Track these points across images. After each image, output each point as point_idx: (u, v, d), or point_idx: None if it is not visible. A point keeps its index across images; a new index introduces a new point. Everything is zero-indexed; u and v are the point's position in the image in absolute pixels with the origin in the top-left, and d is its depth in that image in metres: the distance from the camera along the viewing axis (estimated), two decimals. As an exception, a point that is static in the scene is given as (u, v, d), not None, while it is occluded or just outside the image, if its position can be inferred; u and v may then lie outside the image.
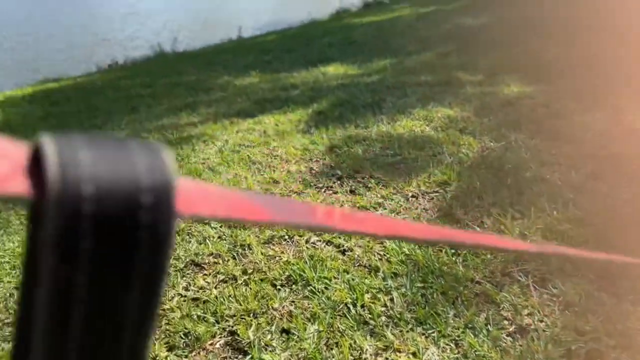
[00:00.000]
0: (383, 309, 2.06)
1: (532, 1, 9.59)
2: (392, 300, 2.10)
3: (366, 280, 2.22)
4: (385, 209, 2.86)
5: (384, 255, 2.42)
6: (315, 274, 2.29)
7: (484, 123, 3.96)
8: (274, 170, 3.49)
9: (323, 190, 3.17)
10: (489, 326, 1.91)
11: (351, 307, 2.08)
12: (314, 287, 2.21)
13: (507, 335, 1.88)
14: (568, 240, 2.37)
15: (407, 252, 2.40)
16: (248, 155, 3.79)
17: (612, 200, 2.66)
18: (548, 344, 1.80)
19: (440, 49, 6.85)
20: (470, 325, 1.92)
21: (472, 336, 1.87)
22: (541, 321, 1.93)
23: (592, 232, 2.41)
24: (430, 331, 1.92)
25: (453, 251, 2.41)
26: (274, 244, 2.61)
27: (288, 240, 2.64)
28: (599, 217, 2.52)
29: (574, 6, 8.43)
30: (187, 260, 2.53)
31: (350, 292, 2.15)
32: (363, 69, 6.35)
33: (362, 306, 2.08)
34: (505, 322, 1.95)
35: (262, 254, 2.52)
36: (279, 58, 7.83)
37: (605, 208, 2.59)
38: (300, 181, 3.29)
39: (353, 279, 2.23)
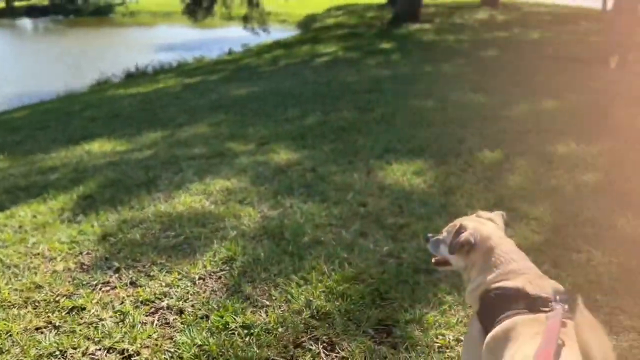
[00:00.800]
0: (180, 415, 1.89)
1: (289, 74, 10.57)
2: (188, 402, 1.95)
3: (158, 386, 2.03)
4: (172, 297, 2.70)
5: (175, 352, 2.26)
6: (97, 392, 2.01)
7: (261, 192, 4.12)
8: (35, 273, 3.02)
9: (98, 287, 2.85)
10: (289, 406, 1.91)
11: (144, 422, 1.87)
12: (97, 409, 1.94)
13: (307, 412, 1.90)
14: (348, 300, 2.56)
15: (200, 343, 2.28)
16: (0, 258, 3.22)
17: (379, 256, 2.98)
18: (345, 411, 1.87)
19: (211, 120, 7.00)
20: (271, 411, 1.90)
21: (275, 422, 1.85)
22: (336, 388, 2.01)
23: (367, 288, 2.65)
24: None
25: (246, 331, 2.39)
26: (41, 366, 2.22)
27: (60, 356, 2.27)
28: (370, 272, 2.78)
29: (325, 81, 9.54)
30: None
31: (141, 405, 1.94)
32: (133, 144, 6.09)
33: (156, 418, 1.89)
34: (304, 397, 1.98)
35: (26, 381, 2.12)
36: (33, 137, 7.02)
37: (374, 263, 2.88)
38: (69, 281, 2.91)
39: (143, 389, 2.02)
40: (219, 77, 11.55)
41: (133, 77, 13.85)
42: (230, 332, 2.38)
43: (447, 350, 2.19)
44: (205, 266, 3.01)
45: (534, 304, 1.48)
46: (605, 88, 7.32)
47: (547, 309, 1.43)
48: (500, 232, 1.80)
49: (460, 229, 1.75)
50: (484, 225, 1.79)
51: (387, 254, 3.00)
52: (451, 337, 2.27)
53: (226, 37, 22.80)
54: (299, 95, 8.04)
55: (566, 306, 1.43)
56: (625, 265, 2.74)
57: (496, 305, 1.55)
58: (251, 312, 2.54)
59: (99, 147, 5.97)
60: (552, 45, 11.65)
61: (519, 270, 1.63)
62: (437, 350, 2.20)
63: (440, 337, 2.28)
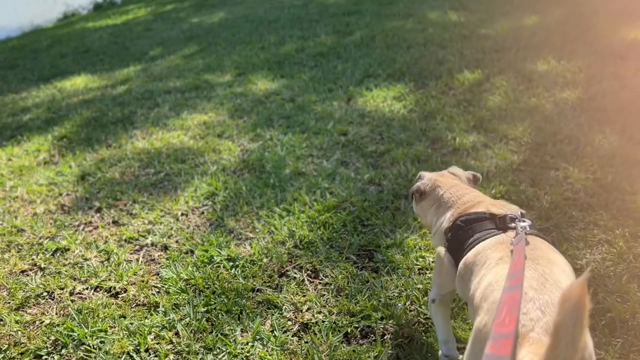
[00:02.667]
0: (169, 346, 1.96)
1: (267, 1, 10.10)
2: (177, 334, 2.01)
3: (146, 320, 2.08)
4: (156, 234, 2.71)
5: (162, 287, 2.30)
6: (88, 329, 2.06)
7: (240, 125, 4.05)
8: (15, 217, 3.00)
9: (81, 228, 2.85)
10: (275, 332, 1.98)
11: (134, 354, 1.93)
12: (89, 345, 1.99)
13: (292, 336, 1.97)
14: (330, 228, 2.60)
15: (186, 278, 2.32)
16: (-22, 203, 3.19)
17: (360, 184, 2.99)
18: (329, 334, 1.94)
19: (184, 51, 6.76)
20: (258, 337, 1.96)
21: (261, 347, 1.92)
22: (319, 312, 2.08)
23: (348, 216, 2.68)
24: (220, 355, 1.89)
25: (231, 264, 2.43)
26: (30, 307, 2.25)
27: (47, 297, 2.31)
28: (351, 200, 2.81)
29: (301, 4, 9.15)
30: None
31: (131, 339, 1.99)
32: (106, 80, 5.89)
33: (147, 350, 1.95)
34: (289, 323, 2.04)
35: (17, 322, 2.15)
36: (1, 77, 6.75)
37: (356, 191, 2.90)
38: (51, 223, 2.90)
39: (132, 323, 2.07)
40: (190, 4, 11.02)
41: (101, 7, 13.16)
42: (215, 265, 2.42)
43: (428, 272, 2.26)
44: (187, 202, 3.01)
45: (502, 222, 1.51)
46: (587, 1, 7.13)
47: (513, 225, 1.47)
48: (450, 178, 1.90)
49: (417, 180, 1.90)
50: (439, 175, 1.90)
51: (367, 182, 3.02)
52: (431, 259, 2.32)
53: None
54: (275, 20, 7.74)
55: (529, 223, 1.47)
56: (601, 181, 2.79)
57: (465, 231, 1.57)
58: (235, 244, 2.57)
59: (71, 85, 5.78)
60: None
61: (475, 199, 1.69)
62: (417, 272, 2.26)
63: (421, 259, 2.33)
